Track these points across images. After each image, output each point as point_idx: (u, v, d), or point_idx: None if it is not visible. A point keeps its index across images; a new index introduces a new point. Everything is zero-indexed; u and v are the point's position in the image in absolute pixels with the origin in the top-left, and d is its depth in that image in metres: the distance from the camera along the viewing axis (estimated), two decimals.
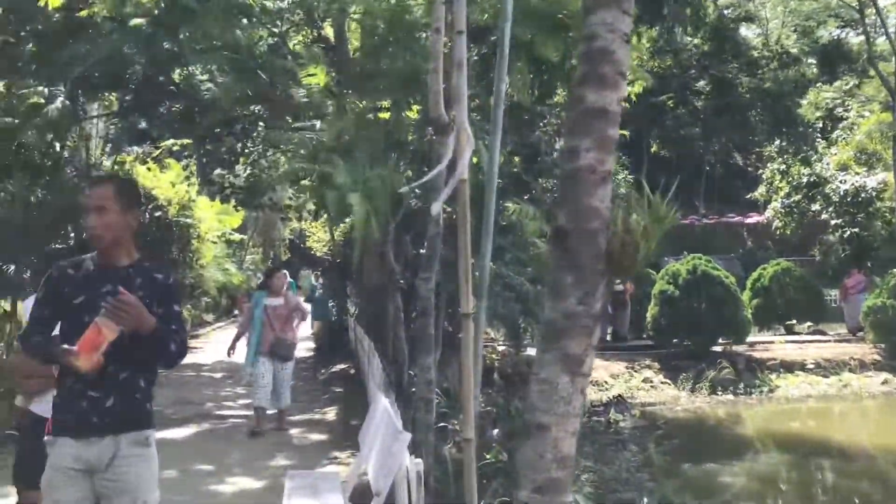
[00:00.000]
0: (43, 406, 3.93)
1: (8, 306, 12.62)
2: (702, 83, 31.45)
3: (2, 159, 12.04)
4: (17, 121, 10.68)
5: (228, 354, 9.44)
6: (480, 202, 5.08)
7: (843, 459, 11.16)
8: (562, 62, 9.21)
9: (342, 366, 14.40)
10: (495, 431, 7.51)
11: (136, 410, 3.08)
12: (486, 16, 9.33)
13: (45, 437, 3.07)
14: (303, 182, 12.40)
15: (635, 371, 15.25)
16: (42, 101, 10.42)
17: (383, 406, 5.10)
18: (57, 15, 12.16)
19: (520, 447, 2.35)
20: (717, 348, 15.79)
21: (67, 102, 11.05)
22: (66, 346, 2.90)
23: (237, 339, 9.41)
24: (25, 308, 4.38)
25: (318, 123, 10.25)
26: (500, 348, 14.05)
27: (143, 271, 3.10)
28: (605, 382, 14.43)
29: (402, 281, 10.70)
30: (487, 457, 6.45)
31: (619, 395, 13.92)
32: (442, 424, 7.23)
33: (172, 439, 8.58)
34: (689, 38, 29.69)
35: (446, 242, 6.52)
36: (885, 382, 14.93)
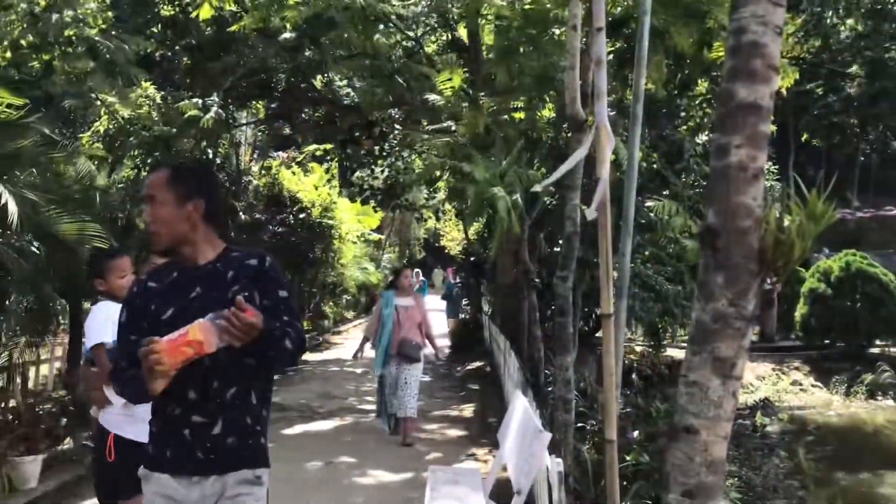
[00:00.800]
0: (106, 417, 3.80)
1: None
2: (854, 68, 29.49)
3: (161, 166, 12.93)
4: (174, 130, 11.42)
5: (355, 357, 9.09)
6: (619, 200, 5.01)
7: None
8: (699, 52, 8.93)
9: (478, 363, 14.53)
10: (635, 433, 7.35)
11: (249, 442, 2.55)
12: (620, 9, 9.18)
13: (140, 471, 2.59)
14: (439, 182, 12.62)
15: (783, 373, 14.56)
16: (198, 111, 11.09)
17: (523, 405, 5.12)
18: (209, 30, 12.98)
19: (665, 450, 2.32)
20: (875, 350, 14.80)
21: (221, 112, 11.71)
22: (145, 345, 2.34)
23: (364, 342, 8.88)
24: (93, 315, 3.95)
25: (452, 125, 10.40)
26: (639, 348, 13.76)
27: (232, 262, 2.61)
28: (751, 385, 13.85)
29: (537, 279, 10.69)
30: (628, 458, 6.33)
31: (766, 399, 13.32)
32: (580, 424, 7.16)
33: (318, 432, 8.96)
34: (840, 21, 27.91)
35: (581, 240, 6.47)
36: None
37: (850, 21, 27.92)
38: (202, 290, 2.55)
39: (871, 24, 28.05)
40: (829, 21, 26.57)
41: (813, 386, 14.19)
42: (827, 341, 15.03)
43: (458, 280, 21.70)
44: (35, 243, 7.19)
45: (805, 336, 15.37)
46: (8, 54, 9.45)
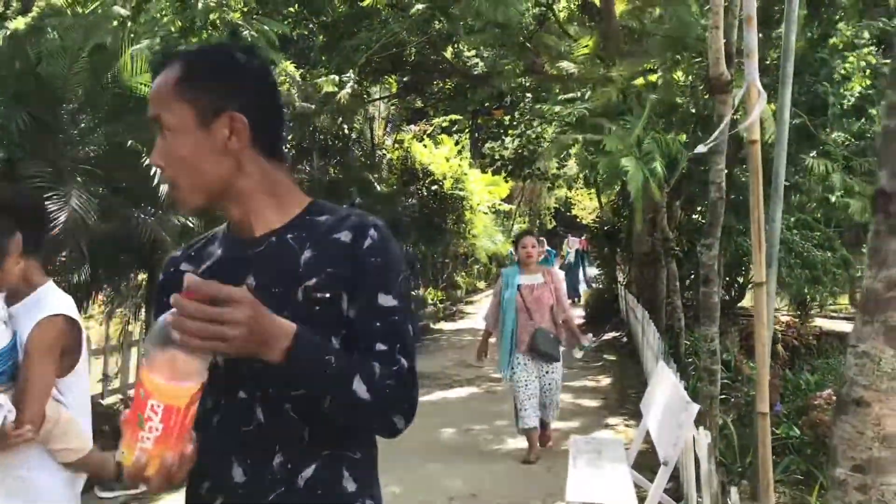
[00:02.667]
0: None
1: None
2: None
3: (301, 142, 13.45)
4: (313, 107, 11.82)
5: (480, 358, 7.06)
6: (767, 163, 4.80)
7: None
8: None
9: (614, 334, 14.36)
10: (782, 406, 7.08)
11: None
12: None
13: None
14: (572, 150, 12.47)
15: None
16: (335, 88, 11.42)
17: (668, 376, 5.04)
18: (342, 7, 13.29)
19: (831, 423, 2.23)
20: None
21: (356, 87, 12.02)
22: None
23: (487, 337, 6.93)
24: None
25: (586, 92, 10.22)
26: (785, 318, 13.17)
27: (312, 231, 1.50)
28: None
29: (676, 248, 10.41)
30: (777, 432, 6.11)
31: None
32: (724, 396, 6.96)
33: (455, 398, 9.16)
34: None
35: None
36: None
37: None
38: (257, 281, 1.45)
39: None
40: None
41: None
42: None
43: (576, 249, 21.19)
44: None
45: None
46: (158, 40, 10.04)
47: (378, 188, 14.49)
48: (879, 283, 2.06)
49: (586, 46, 9.94)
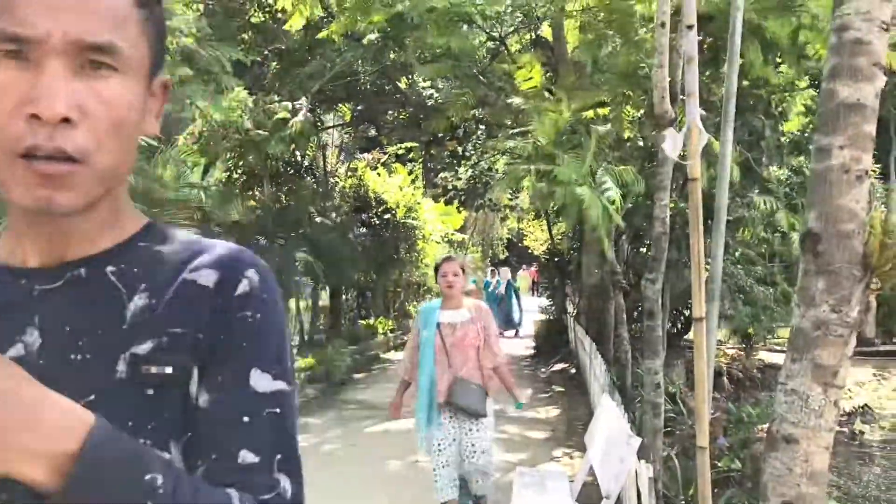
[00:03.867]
0: None
1: None
2: None
3: (252, 169, 13.35)
4: (266, 133, 11.78)
5: (395, 415, 5.40)
6: (709, 199, 4.91)
7: None
8: (793, 45, 8.67)
9: (562, 365, 14.43)
10: (726, 439, 7.17)
11: None
12: (705, 3, 8.97)
13: None
14: (524, 182, 12.62)
15: (884, 379, 13.92)
16: (288, 114, 11.40)
17: (612, 408, 5.07)
18: (297, 35, 13.32)
19: (762, 459, 2.26)
20: None
21: (309, 115, 12.00)
22: None
23: (403, 389, 5.35)
24: None
25: (537, 125, 10.38)
26: (730, 351, 13.41)
27: (145, 263, 0.92)
28: (849, 390, 13.29)
29: (623, 281, 10.55)
30: (719, 465, 6.18)
31: (866, 405, 12.76)
32: (668, 429, 7.03)
33: (401, 429, 9.08)
34: None
35: (668, 241, 6.36)
36: None
37: None
38: (44, 340, 0.88)
39: None
40: None
41: None
42: None
43: (496, 278, 21.07)
44: None
45: None
46: None
47: (330, 216, 14.43)
48: (807, 321, 2.11)
49: (531, 78, 10.09)
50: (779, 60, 9.71)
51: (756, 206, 9.72)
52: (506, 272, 21.57)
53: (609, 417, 4.98)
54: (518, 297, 21.07)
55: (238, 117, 11.82)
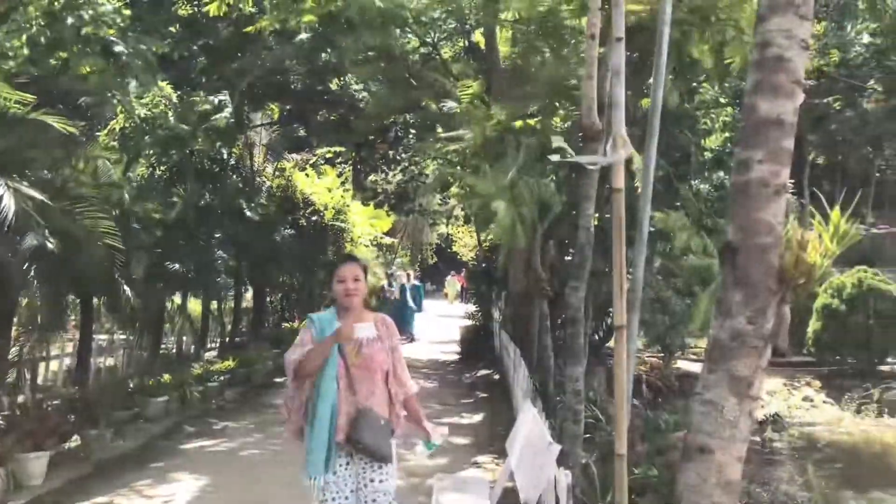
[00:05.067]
0: None
1: (178, 301, 13.61)
2: (872, 82, 29.36)
3: (175, 165, 12.97)
4: (190, 129, 11.46)
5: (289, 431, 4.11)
6: (632, 211, 4.98)
7: None
8: (717, 60, 8.91)
9: (487, 371, 14.49)
10: (644, 446, 7.29)
11: None
12: (634, 18, 9.15)
13: None
14: (452, 189, 12.64)
15: (794, 388, 14.44)
16: (210, 107, 11.13)
17: (533, 416, 5.09)
18: (226, 30, 13.03)
19: (678, 469, 2.28)
20: (886, 367, 14.70)
21: (234, 111, 11.75)
22: None
23: (292, 427, 4.07)
24: None
25: (467, 132, 10.40)
26: (650, 359, 13.70)
27: None
28: (761, 399, 13.75)
29: (548, 288, 10.65)
30: (636, 471, 6.28)
31: (777, 414, 13.21)
32: (588, 435, 7.11)
33: None
34: (857, 34, 27.80)
35: (593, 250, 6.44)
36: None
37: (867, 38, 27.77)
38: None
39: (890, 40, 27.88)
40: (847, 33, 26.46)
41: (824, 402, 14.06)
42: (838, 357, 14.95)
43: (402, 284, 20.90)
44: (52, 240, 7.17)
45: (817, 352, 15.28)
46: (26, 51, 9.49)
47: (255, 216, 14.14)
48: (724, 332, 2.14)
49: (470, 87, 10.11)
50: (701, 78, 9.98)
51: (662, 223, 9.95)
52: (402, 276, 21.33)
53: (530, 424, 5.00)
54: (415, 301, 20.65)
55: (162, 112, 11.49)
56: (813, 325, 15.06)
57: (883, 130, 29.13)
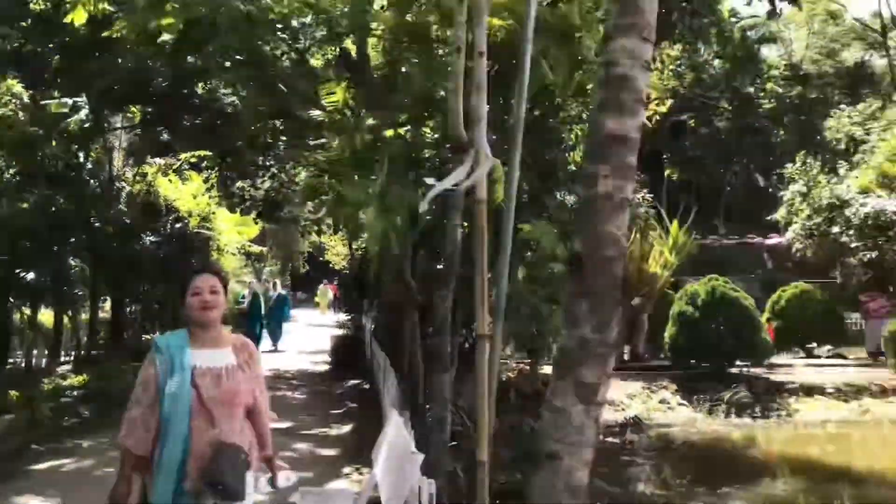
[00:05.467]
0: None
1: (28, 312, 12.80)
2: (724, 103, 31.44)
3: (26, 168, 12.21)
4: (41, 131, 10.83)
5: None
6: (497, 221, 5.08)
7: (861, 486, 10.98)
8: (570, 77, 9.22)
9: (358, 380, 14.40)
10: (509, 452, 7.44)
11: None
12: (498, 33, 9.35)
13: None
14: (321, 197, 12.49)
15: (652, 392, 15.14)
16: (66, 111, 10.55)
17: (397, 424, 5.08)
18: (83, 29, 12.36)
19: (532, 472, 2.33)
20: (735, 370, 15.68)
21: (91, 114, 11.18)
22: None
23: (131, 470, 3.60)
24: None
25: (336, 140, 10.30)
26: (517, 366, 14.00)
27: None
28: (622, 402, 14.32)
29: (418, 297, 10.70)
30: (501, 478, 6.39)
31: (636, 416, 13.81)
32: (455, 443, 7.18)
33: None
34: (709, 56, 29.68)
35: (463, 260, 6.53)
36: None
37: (717, 62, 29.71)
38: None
39: (735, 65, 29.96)
40: (701, 55, 28.18)
41: (679, 404, 14.82)
42: (693, 361, 15.79)
43: (276, 291, 20.33)
44: None
45: (673, 356, 16.08)
46: None
47: (114, 222, 13.50)
48: (572, 341, 2.21)
49: (333, 93, 10.03)
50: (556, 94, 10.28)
51: (528, 234, 10.24)
52: (256, 284, 20.83)
53: (394, 433, 4.99)
54: (271, 311, 20.11)
55: (11, 112, 10.79)
56: (669, 330, 15.86)
57: (732, 148, 31.25)
